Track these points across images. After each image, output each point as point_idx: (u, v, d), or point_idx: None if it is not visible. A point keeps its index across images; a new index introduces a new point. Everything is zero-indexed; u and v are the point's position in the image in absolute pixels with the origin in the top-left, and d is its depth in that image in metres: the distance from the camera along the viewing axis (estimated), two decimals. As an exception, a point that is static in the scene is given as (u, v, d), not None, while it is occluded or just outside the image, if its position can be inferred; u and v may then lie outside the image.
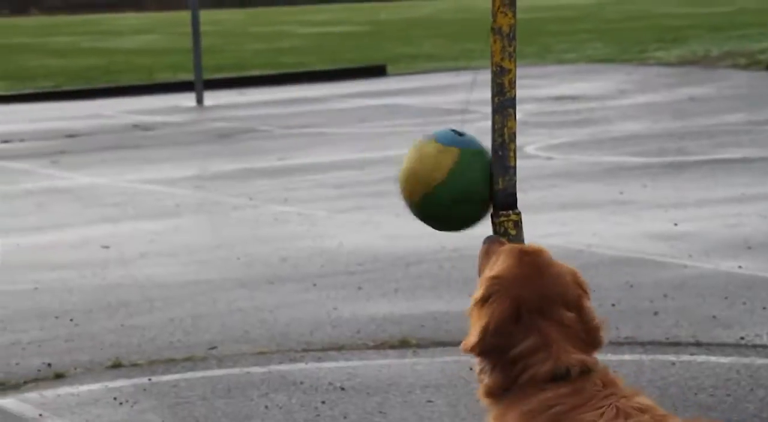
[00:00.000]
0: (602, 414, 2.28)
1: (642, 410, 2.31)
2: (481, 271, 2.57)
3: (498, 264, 2.49)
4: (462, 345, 2.45)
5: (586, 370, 2.37)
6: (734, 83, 15.47)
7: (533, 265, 2.46)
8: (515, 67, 3.09)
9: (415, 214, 3.00)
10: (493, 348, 2.40)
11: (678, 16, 27.24)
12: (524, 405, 2.34)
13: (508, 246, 2.58)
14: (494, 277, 2.46)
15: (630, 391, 2.37)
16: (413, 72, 18.85)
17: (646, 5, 31.90)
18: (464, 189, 2.95)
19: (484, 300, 2.43)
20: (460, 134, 3.03)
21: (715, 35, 21.53)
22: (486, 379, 2.43)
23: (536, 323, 2.39)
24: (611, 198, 8.41)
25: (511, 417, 2.36)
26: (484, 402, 2.45)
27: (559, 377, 2.35)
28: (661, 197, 8.37)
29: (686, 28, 23.38)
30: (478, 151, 3.03)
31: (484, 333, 2.40)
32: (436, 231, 3.12)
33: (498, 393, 2.41)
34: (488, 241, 2.63)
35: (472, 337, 2.43)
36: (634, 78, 16.59)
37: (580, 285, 2.49)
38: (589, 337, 2.43)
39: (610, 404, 2.30)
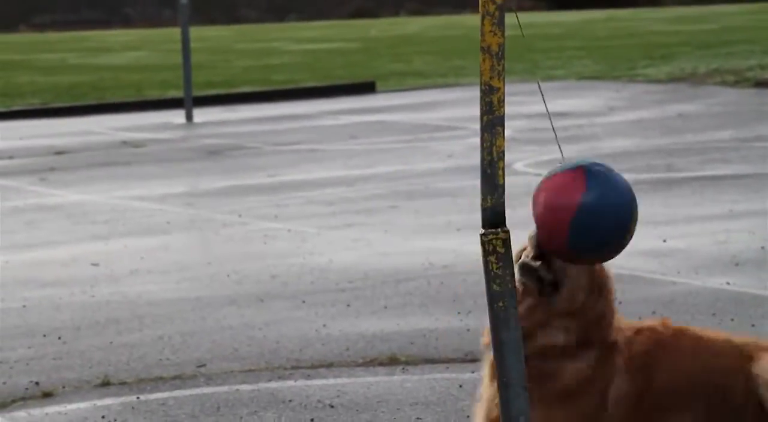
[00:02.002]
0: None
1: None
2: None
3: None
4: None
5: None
6: (722, 100, 15.53)
7: None
8: (504, 85, 3.10)
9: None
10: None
11: (666, 33, 27.34)
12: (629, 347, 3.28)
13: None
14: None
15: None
16: (403, 89, 18.89)
17: (635, 23, 32.02)
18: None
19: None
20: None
21: (703, 52, 21.62)
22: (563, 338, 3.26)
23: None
24: (600, 215, 8.41)
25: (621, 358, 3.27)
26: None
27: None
28: (650, 214, 8.39)
29: (674, 46, 23.48)
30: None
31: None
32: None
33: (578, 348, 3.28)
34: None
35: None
36: (623, 95, 16.65)
37: None
38: None
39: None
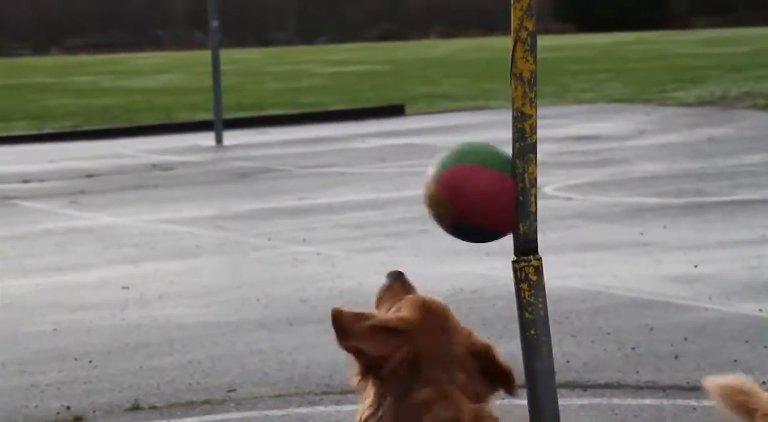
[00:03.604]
0: None
1: None
2: (378, 305, 2.81)
3: (406, 310, 2.75)
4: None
5: (480, 417, 2.62)
6: (753, 123, 15.44)
7: (439, 320, 2.76)
8: (536, 112, 3.09)
9: None
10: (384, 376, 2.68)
11: (696, 56, 27.26)
12: None
13: (413, 296, 2.84)
14: (403, 319, 2.70)
15: None
16: (432, 111, 18.89)
17: (665, 45, 31.93)
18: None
19: (388, 330, 2.68)
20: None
21: (734, 76, 21.53)
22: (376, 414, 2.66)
23: (434, 377, 2.64)
24: (631, 239, 8.38)
25: None
26: None
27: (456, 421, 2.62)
28: (681, 238, 8.34)
29: (705, 69, 23.40)
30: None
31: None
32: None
33: None
34: (392, 278, 2.88)
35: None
36: (653, 118, 16.59)
37: (479, 342, 2.75)
38: (495, 384, 2.70)
39: None
